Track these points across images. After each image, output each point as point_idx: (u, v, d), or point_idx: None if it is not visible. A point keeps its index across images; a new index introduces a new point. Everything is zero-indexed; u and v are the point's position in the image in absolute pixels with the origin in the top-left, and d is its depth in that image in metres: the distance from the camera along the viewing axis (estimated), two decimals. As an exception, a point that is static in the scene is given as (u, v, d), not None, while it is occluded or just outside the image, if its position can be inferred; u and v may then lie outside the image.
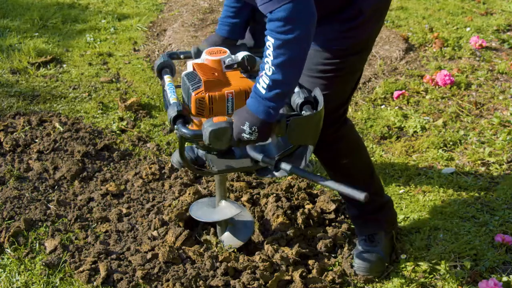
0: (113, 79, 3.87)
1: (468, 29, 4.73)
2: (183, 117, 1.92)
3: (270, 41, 1.78)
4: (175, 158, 3.04)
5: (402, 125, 3.49)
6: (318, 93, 1.98)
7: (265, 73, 1.81)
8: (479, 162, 3.18)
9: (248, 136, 1.87)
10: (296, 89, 2.01)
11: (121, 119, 3.42)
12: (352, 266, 2.46)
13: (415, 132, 3.44)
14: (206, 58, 2.07)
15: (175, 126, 1.91)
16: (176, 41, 4.38)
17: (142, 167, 3.01)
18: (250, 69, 2.10)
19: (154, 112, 3.51)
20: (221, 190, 2.43)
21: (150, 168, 2.99)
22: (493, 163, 3.17)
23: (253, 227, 2.55)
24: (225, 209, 2.43)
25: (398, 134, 3.43)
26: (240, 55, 2.10)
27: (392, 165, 3.16)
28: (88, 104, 3.57)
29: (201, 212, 2.50)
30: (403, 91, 3.78)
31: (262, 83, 1.83)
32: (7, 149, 3.08)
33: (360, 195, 1.79)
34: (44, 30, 4.48)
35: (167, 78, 2.16)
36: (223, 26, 2.29)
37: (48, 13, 4.73)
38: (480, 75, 4.05)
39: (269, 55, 1.79)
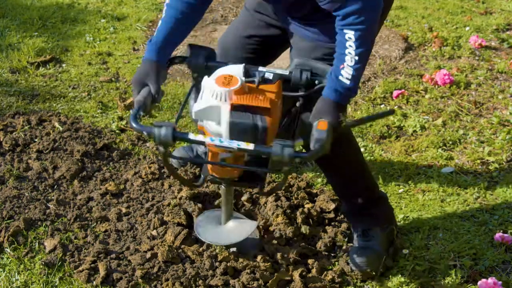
0: (113, 79, 3.87)
1: (467, 28, 4.73)
2: None
3: (349, 34, 1.89)
4: (175, 158, 3.03)
5: (402, 125, 3.49)
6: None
7: (347, 64, 1.91)
8: (478, 161, 3.19)
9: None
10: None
11: (121, 118, 3.42)
12: (348, 263, 2.46)
13: (414, 131, 3.44)
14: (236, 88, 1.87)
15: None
16: (175, 40, 4.37)
17: (141, 167, 3.01)
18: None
19: (154, 111, 3.51)
20: (228, 206, 2.33)
21: (150, 167, 2.98)
22: (493, 162, 3.17)
23: (259, 246, 2.51)
24: (234, 232, 2.34)
25: (398, 134, 3.43)
26: (238, 69, 2.00)
27: (392, 164, 3.16)
28: (88, 103, 3.57)
29: (209, 233, 2.38)
30: (403, 90, 3.78)
31: (346, 74, 1.92)
32: (7, 148, 3.08)
33: (390, 111, 1.91)
34: (44, 29, 4.48)
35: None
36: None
37: (48, 12, 4.73)
38: (480, 74, 4.05)
39: (350, 46, 1.89)
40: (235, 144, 1.78)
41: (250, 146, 1.78)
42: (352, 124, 2.09)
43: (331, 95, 1.95)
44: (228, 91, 1.83)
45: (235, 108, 1.83)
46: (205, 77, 1.94)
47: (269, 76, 2.05)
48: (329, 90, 1.96)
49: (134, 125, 1.89)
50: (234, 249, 2.46)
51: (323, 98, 1.97)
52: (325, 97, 1.96)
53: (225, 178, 2.10)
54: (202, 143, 1.84)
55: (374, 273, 2.43)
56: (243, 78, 1.92)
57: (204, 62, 2.12)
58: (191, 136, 1.84)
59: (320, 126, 1.86)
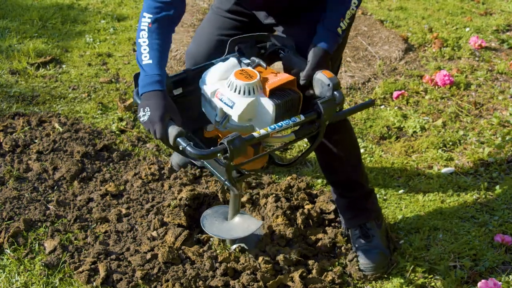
0: (113, 80, 3.87)
1: (467, 29, 4.73)
2: None
3: None
4: (174, 160, 3.03)
5: (402, 125, 3.50)
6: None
7: (347, 18, 2.09)
8: (478, 162, 3.19)
9: None
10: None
11: (121, 119, 3.42)
12: (360, 270, 2.46)
13: (414, 132, 3.44)
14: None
15: None
16: (175, 41, 4.38)
17: (141, 168, 3.01)
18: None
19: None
20: (236, 203, 2.34)
21: (150, 168, 2.98)
22: (493, 163, 3.17)
23: (260, 247, 2.52)
24: (238, 228, 2.37)
25: (398, 134, 3.44)
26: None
27: (392, 165, 3.16)
28: (88, 104, 3.57)
29: (214, 226, 2.40)
30: (403, 91, 3.78)
31: (343, 26, 2.09)
32: (7, 149, 3.08)
33: (371, 102, 2.10)
34: (44, 30, 4.48)
35: None
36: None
37: (48, 13, 4.73)
38: (480, 75, 4.05)
39: (354, 3, 2.08)
40: (292, 120, 1.89)
41: (302, 117, 1.91)
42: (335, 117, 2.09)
43: (330, 47, 2.08)
44: (257, 81, 1.88)
45: (272, 92, 1.90)
46: (223, 84, 1.92)
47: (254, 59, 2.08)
48: (326, 42, 2.08)
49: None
50: (234, 246, 2.47)
51: (320, 49, 2.06)
52: (323, 47, 2.07)
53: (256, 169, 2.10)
54: (267, 135, 1.85)
55: (378, 278, 2.46)
56: (248, 67, 1.98)
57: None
58: (256, 134, 1.83)
59: (328, 74, 1.97)
